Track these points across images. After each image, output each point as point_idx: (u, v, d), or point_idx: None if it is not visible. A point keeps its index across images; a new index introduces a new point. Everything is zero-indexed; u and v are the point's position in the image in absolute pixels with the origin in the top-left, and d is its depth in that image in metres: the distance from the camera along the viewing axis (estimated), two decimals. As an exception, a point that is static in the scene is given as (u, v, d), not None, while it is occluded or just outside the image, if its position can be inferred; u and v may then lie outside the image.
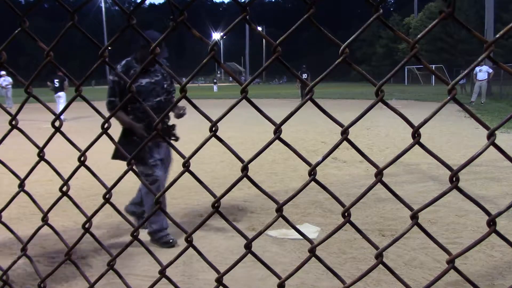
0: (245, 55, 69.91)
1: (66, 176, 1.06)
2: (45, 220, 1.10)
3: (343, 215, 0.86)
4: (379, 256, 0.84)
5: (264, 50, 66.98)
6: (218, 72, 65.42)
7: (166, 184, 3.59)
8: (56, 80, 12.72)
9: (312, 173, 0.84)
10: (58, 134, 1.01)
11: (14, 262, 1.19)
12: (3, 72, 16.82)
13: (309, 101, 0.81)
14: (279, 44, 0.79)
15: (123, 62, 3.22)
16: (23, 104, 1.05)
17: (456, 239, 3.30)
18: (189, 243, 0.95)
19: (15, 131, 1.06)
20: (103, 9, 56.60)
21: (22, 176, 1.13)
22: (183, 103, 3.33)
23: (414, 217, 0.81)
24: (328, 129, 9.78)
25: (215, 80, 42.72)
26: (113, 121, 1.06)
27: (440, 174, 5.27)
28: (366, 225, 3.65)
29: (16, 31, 0.96)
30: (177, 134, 3.33)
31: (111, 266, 1.05)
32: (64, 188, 1.05)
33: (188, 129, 7.49)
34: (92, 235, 1.07)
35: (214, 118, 0.85)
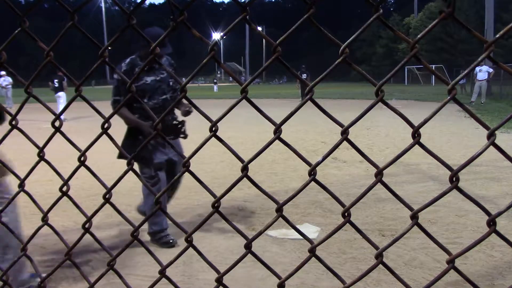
0: (245, 55, 69.95)
1: (66, 176, 1.06)
2: (45, 220, 1.10)
3: (343, 215, 0.86)
4: (379, 256, 0.84)
5: (264, 50, 66.99)
6: (218, 72, 65.35)
7: (179, 182, 3.56)
8: (55, 80, 12.74)
9: (312, 173, 0.84)
10: (58, 134, 1.01)
11: (14, 262, 1.19)
12: (3, 72, 16.81)
13: (309, 101, 0.81)
14: (279, 44, 0.79)
15: (128, 60, 3.15)
16: (23, 104, 1.05)
17: (456, 239, 3.30)
18: (189, 243, 0.95)
19: (15, 131, 1.06)
20: (103, 9, 56.71)
21: (22, 176, 1.13)
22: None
23: (414, 217, 0.81)
24: (328, 129, 9.78)
25: (215, 80, 42.68)
26: (114, 121, 1.06)
27: (440, 174, 5.27)
28: (366, 225, 3.65)
29: (16, 31, 0.96)
30: (186, 131, 3.24)
31: (111, 266, 1.05)
32: (64, 188, 1.05)
33: (188, 129, 7.47)
34: (92, 235, 1.07)
35: (214, 118, 0.85)
